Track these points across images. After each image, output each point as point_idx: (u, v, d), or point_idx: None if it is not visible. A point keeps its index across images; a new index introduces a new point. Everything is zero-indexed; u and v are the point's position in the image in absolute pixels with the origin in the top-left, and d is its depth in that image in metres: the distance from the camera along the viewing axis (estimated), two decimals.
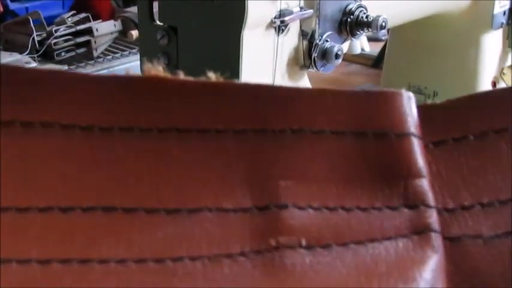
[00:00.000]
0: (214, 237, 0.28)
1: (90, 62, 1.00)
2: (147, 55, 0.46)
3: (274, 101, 0.31)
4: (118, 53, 1.03)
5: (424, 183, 0.30)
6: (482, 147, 0.32)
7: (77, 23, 1.02)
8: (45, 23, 1.00)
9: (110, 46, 1.06)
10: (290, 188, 0.30)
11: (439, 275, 0.28)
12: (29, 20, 0.98)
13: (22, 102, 0.29)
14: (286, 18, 0.42)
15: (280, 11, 0.42)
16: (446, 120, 0.32)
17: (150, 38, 0.44)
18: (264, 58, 0.43)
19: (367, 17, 0.47)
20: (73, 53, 1.02)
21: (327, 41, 0.45)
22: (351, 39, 0.48)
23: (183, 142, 0.30)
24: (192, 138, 0.30)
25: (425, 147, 0.32)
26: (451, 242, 0.29)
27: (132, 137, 0.29)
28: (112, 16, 1.11)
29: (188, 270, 0.27)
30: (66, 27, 1.01)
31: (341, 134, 0.31)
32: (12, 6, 1.07)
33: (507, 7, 0.64)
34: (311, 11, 0.44)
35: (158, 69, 0.31)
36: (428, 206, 0.29)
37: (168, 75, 0.31)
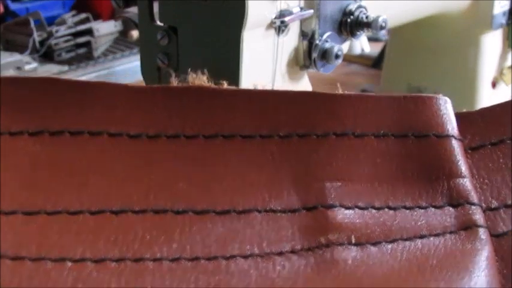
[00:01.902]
0: (265, 236, 0.28)
1: (90, 62, 1.00)
2: (147, 55, 0.46)
3: (317, 106, 0.31)
4: (118, 53, 1.03)
5: (467, 183, 0.30)
6: None
7: (77, 24, 1.02)
8: (45, 23, 1.00)
9: (110, 46, 1.06)
10: (336, 189, 0.30)
11: (493, 264, 0.28)
12: (29, 20, 0.98)
13: (71, 112, 0.29)
14: (286, 19, 0.42)
15: (280, 11, 0.42)
16: (482, 126, 0.33)
17: (150, 38, 0.44)
18: (264, 58, 0.43)
19: (367, 17, 0.47)
20: (73, 54, 1.02)
21: (326, 41, 0.45)
22: (351, 40, 0.48)
23: (229, 148, 0.30)
24: (238, 144, 0.30)
25: (465, 152, 0.32)
26: (497, 238, 0.30)
27: (178, 144, 0.30)
28: (112, 16, 1.11)
29: (241, 268, 0.27)
30: (67, 27, 1.01)
31: (383, 137, 0.31)
32: (13, 6, 1.07)
33: (507, 7, 0.64)
34: (311, 11, 0.44)
35: (202, 79, 0.32)
36: (473, 204, 0.30)
37: (212, 84, 0.32)
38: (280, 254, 0.28)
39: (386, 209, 0.30)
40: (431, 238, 0.29)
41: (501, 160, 0.32)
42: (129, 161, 0.29)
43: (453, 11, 0.63)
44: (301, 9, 0.43)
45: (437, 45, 0.66)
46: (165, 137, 0.30)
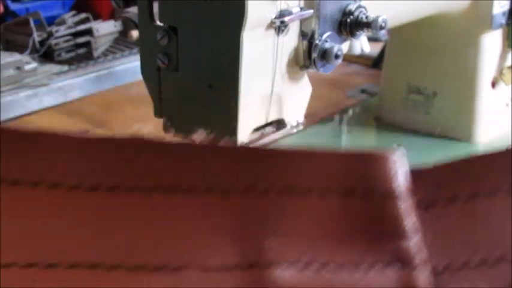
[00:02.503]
0: None
1: (90, 62, 1.00)
2: (147, 55, 0.46)
3: (260, 160, 0.30)
4: (118, 53, 1.03)
5: (413, 243, 0.29)
6: (473, 208, 0.31)
7: (77, 24, 1.03)
8: (45, 23, 1.00)
9: (110, 46, 1.06)
10: (276, 247, 0.29)
11: None
12: (29, 20, 0.98)
13: (10, 160, 0.29)
14: (286, 19, 0.42)
15: (280, 11, 0.42)
16: (436, 182, 0.32)
17: (150, 38, 0.44)
18: (264, 58, 0.43)
19: (366, 17, 0.47)
20: (73, 54, 1.02)
21: (326, 41, 0.45)
22: (351, 40, 0.48)
23: (169, 201, 0.29)
24: (178, 197, 0.29)
25: (416, 209, 0.31)
26: None
27: (118, 196, 0.29)
28: (112, 16, 1.11)
29: None
30: (67, 27, 1.01)
31: (329, 194, 0.30)
32: (13, 6, 1.07)
33: (507, 7, 0.64)
34: (311, 11, 0.44)
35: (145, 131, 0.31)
36: (418, 266, 0.29)
37: (153, 136, 0.31)
38: None
39: (327, 269, 0.29)
40: None
41: (454, 219, 0.31)
42: (65, 213, 0.29)
43: (453, 11, 0.63)
44: (301, 9, 0.43)
45: (437, 45, 0.66)
46: (105, 188, 0.29)
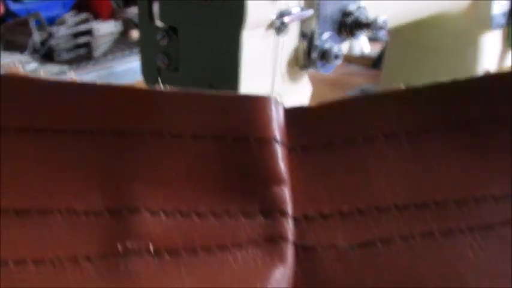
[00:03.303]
0: (62, 240, 0.27)
1: (90, 62, 1.00)
2: (147, 55, 0.46)
3: (133, 102, 0.29)
4: (118, 53, 1.04)
5: (284, 190, 0.28)
6: (349, 154, 0.29)
7: (77, 24, 1.03)
8: (45, 23, 1.00)
9: (110, 46, 1.06)
10: (144, 191, 0.28)
11: (284, 285, 0.27)
12: (29, 20, 0.98)
13: None
14: (285, 19, 0.42)
15: (280, 11, 0.42)
16: (315, 123, 0.30)
17: (150, 38, 0.44)
18: (264, 58, 0.43)
19: (366, 17, 0.47)
20: (73, 54, 1.02)
21: (326, 41, 0.45)
22: (351, 40, 0.49)
23: (39, 142, 0.28)
24: (48, 138, 0.28)
25: (292, 151, 0.29)
26: (304, 251, 0.28)
27: None
28: (112, 16, 1.11)
29: (30, 275, 0.26)
30: (67, 27, 1.01)
31: (200, 138, 0.29)
32: (13, 7, 1.08)
33: (506, 7, 0.64)
34: (311, 11, 0.44)
35: (18, 69, 0.30)
36: (284, 214, 0.28)
37: (27, 74, 0.30)
38: (73, 260, 0.26)
39: (192, 215, 0.28)
40: (233, 249, 0.27)
41: (328, 164, 0.29)
42: None
43: (453, 11, 0.63)
44: (301, 9, 0.44)
45: (437, 45, 0.66)
46: None
